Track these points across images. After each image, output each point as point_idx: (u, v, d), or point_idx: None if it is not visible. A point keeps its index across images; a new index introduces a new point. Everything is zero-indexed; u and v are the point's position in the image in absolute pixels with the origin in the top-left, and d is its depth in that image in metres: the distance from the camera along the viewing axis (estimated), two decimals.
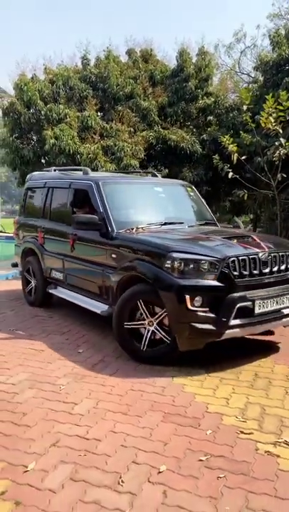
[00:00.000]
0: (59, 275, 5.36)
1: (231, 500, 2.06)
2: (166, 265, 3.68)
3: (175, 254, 3.67)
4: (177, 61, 11.13)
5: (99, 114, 10.25)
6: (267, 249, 3.90)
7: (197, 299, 3.56)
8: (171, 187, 5.80)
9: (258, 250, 3.84)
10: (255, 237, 4.24)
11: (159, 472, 2.27)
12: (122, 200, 4.92)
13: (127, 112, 9.90)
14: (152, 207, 5.15)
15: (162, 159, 10.36)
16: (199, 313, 3.55)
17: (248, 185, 7.53)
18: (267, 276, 3.85)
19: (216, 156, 7.38)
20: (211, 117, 10.59)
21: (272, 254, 3.90)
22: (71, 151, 8.94)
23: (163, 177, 9.39)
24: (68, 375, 3.59)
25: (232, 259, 3.65)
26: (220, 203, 11.43)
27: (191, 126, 10.64)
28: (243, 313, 3.64)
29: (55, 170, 6.30)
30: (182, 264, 3.62)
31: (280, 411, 2.93)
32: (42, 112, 9.78)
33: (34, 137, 10.59)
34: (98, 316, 4.47)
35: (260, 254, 3.80)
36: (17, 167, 10.33)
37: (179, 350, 3.69)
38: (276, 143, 6.72)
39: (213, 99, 10.65)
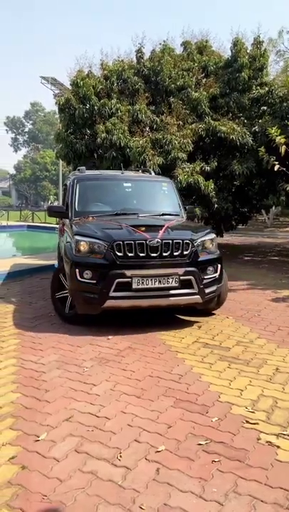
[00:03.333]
0: None
1: (220, 483, 2.12)
2: (72, 245, 4.62)
3: (77, 237, 4.59)
4: (231, 51, 10.89)
5: (150, 107, 10.36)
6: (159, 237, 4.46)
7: (86, 272, 4.42)
8: (145, 183, 6.51)
9: (148, 237, 4.44)
10: (164, 228, 4.70)
11: (157, 451, 2.39)
12: (89, 194, 5.94)
13: (178, 103, 9.90)
14: (116, 200, 5.91)
15: (212, 151, 10.27)
16: (88, 284, 4.42)
17: None
18: (154, 259, 4.43)
19: (262, 148, 7.18)
20: (265, 107, 10.29)
21: (163, 241, 4.45)
22: (121, 145, 9.14)
23: (210, 170, 9.41)
24: (94, 358, 3.80)
25: (117, 242, 4.40)
26: (277, 196, 11.07)
27: (242, 118, 10.40)
28: (122, 287, 4.37)
29: (78, 169, 6.76)
30: (79, 245, 4.53)
31: None
32: (95, 107, 10.06)
33: (88, 131, 10.93)
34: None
35: (149, 241, 4.41)
36: (71, 161, 10.76)
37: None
38: None
39: (267, 89, 10.32)
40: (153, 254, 4.43)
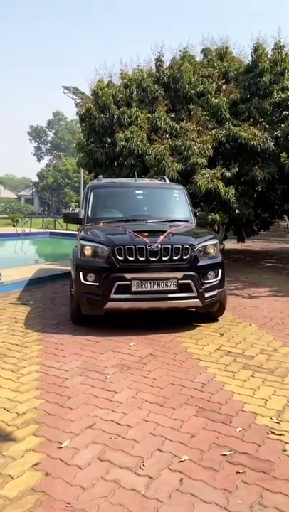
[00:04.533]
0: None
1: (245, 494, 2.08)
2: (78, 250, 4.89)
3: (82, 242, 4.88)
4: (252, 56, 10.85)
5: (170, 114, 10.40)
6: (159, 242, 4.61)
7: (90, 275, 4.66)
8: (156, 190, 6.67)
9: (148, 242, 4.61)
10: (165, 233, 4.85)
11: (180, 461, 2.36)
12: (102, 201, 6.24)
13: (198, 109, 9.91)
14: (127, 207, 6.13)
15: (232, 157, 10.20)
16: (91, 286, 4.64)
17: None
18: (153, 263, 4.59)
19: (284, 154, 7.11)
20: (287, 112, 10.18)
21: (163, 246, 4.60)
22: (140, 153, 9.19)
23: (231, 175, 9.34)
24: (116, 365, 3.80)
25: (118, 247, 4.59)
26: None
27: (264, 123, 10.32)
28: (122, 289, 4.55)
29: (97, 178, 7.08)
30: (84, 249, 4.79)
31: None
32: (115, 116, 10.16)
33: (109, 140, 11.05)
34: (151, 316, 4.94)
35: (149, 246, 4.57)
36: (91, 169, 10.89)
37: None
38: None
39: (288, 93, 10.21)
40: (152, 259, 4.60)
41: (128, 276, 4.54)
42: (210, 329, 4.94)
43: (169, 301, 4.66)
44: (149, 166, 9.08)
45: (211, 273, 4.85)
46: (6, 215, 43.14)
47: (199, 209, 9.50)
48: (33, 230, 19.74)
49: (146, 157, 9.13)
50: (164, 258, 4.61)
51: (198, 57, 11.82)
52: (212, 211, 9.68)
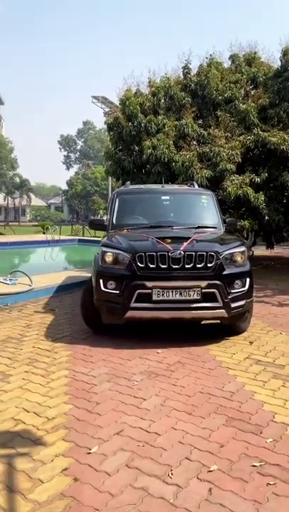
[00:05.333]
0: None
1: (276, 506, 2.03)
2: (99, 256, 4.77)
3: (103, 248, 4.76)
4: (281, 61, 10.76)
5: (197, 121, 10.40)
6: (182, 249, 4.42)
7: (111, 282, 4.52)
8: (184, 195, 6.49)
9: (170, 249, 4.44)
10: (189, 240, 4.63)
11: (209, 471, 2.33)
12: (128, 207, 6.12)
13: (225, 116, 9.87)
14: (153, 213, 5.99)
15: (261, 163, 10.08)
16: (111, 294, 4.51)
17: None
18: (175, 271, 4.41)
19: None
20: None
21: (186, 253, 4.40)
22: (166, 160, 9.22)
23: (260, 181, 9.23)
24: (144, 372, 3.80)
25: (139, 254, 4.44)
26: None
27: None
28: (143, 298, 4.38)
29: (124, 185, 7.02)
30: (105, 256, 4.66)
31: None
32: (142, 124, 10.25)
33: (136, 148, 11.16)
34: (179, 323, 4.86)
35: (171, 252, 4.40)
36: (119, 177, 11.00)
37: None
38: None
39: None
40: (175, 266, 4.41)
41: (149, 284, 4.38)
42: (239, 337, 4.86)
43: (192, 311, 4.45)
44: (177, 173, 9.08)
45: (238, 282, 4.61)
46: (37, 223, 44.10)
47: (228, 215, 9.42)
48: (62, 237, 20.04)
49: (173, 164, 9.15)
50: (187, 266, 4.42)
51: (226, 64, 11.81)
52: (241, 217, 9.58)
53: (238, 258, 4.70)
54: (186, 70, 11.48)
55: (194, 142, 9.89)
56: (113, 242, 4.94)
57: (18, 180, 57.50)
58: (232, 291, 4.53)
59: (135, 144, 10.78)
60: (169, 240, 4.67)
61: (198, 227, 5.55)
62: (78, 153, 75.78)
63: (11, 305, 6.56)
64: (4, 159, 55.17)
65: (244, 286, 4.65)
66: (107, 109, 31.84)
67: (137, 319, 4.57)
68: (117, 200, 6.08)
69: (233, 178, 9.05)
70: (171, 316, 4.53)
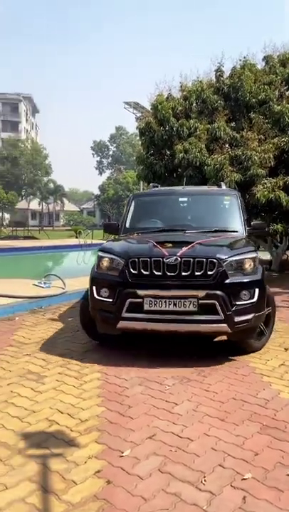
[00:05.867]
0: None
1: None
2: (96, 261, 4.50)
3: (100, 253, 4.50)
4: None
5: (230, 124, 10.30)
6: (179, 254, 4.01)
7: (104, 289, 4.21)
8: (203, 197, 6.07)
9: (166, 254, 4.04)
10: (192, 244, 4.21)
11: (243, 479, 2.29)
12: (142, 210, 5.86)
13: (259, 118, 9.72)
14: (168, 216, 5.70)
15: None
16: (105, 302, 4.19)
17: None
18: (170, 279, 3.99)
19: None
20: None
21: (183, 259, 3.99)
22: (198, 163, 9.17)
23: None
24: (176, 377, 3.78)
25: (132, 259, 4.09)
26: None
27: None
28: (134, 308, 4.03)
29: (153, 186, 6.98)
30: (100, 261, 4.39)
31: None
32: (174, 128, 10.25)
33: (168, 152, 11.16)
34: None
35: (166, 258, 4.00)
36: (151, 181, 11.03)
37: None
38: None
39: None
40: (170, 274, 3.99)
41: (141, 292, 4.00)
42: (274, 344, 4.75)
43: (188, 324, 4.00)
44: (207, 176, 9.02)
45: (245, 293, 4.04)
46: (70, 227, 44.90)
47: (259, 219, 9.25)
48: (94, 242, 20.28)
49: (205, 167, 9.09)
50: (184, 273, 3.97)
51: (260, 65, 11.64)
52: (274, 221, 9.39)
53: (247, 265, 4.17)
54: (218, 73, 11.38)
55: (227, 145, 9.79)
56: (111, 247, 4.66)
57: (52, 186, 58.75)
58: (237, 302, 4.00)
59: (167, 148, 10.78)
60: (170, 245, 4.29)
61: (216, 231, 5.04)
62: (110, 159, 76.75)
63: (45, 308, 6.70)
64: (39, 165, 56.60)
65: (252, 297, 4.08)
66: (138, 114, 32.08)
67: (130, 330, 4.27)
68: (133, 202, 5.89)
69: (265, 181, 8.88)
70: (166, 328, 4.12)
